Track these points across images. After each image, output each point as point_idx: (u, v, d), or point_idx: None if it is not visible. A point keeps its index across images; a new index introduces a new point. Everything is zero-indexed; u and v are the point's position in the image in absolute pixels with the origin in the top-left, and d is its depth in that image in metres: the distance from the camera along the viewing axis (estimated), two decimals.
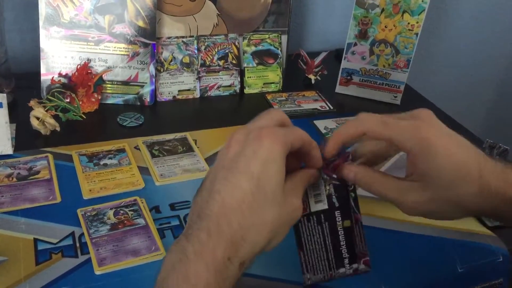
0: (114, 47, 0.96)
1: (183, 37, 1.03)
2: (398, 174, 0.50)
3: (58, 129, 0.87)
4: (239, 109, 1.06)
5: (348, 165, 0.49)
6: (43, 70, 0.95)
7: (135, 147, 0.84)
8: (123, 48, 0.96)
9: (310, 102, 1.05)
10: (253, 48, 1.07)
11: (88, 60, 0.95)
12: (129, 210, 0.70)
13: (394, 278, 0.64)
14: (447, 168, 0.45)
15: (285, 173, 0.42)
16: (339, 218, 0.49)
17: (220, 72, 1.05)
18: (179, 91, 1.02)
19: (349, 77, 1.08)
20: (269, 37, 1.09)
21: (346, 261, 0.50)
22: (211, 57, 1.04)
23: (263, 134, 0.41)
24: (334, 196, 0.49)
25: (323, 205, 0.49)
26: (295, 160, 0.46)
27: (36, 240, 0.64)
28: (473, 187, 0.45)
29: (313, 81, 1.11)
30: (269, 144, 0.40)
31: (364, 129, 0.47)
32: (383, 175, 0.49)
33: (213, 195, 0.41)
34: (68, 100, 0.90)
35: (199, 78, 1.03)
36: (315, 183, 0.49)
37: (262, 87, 1.08)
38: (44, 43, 0.94)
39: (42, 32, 0.93)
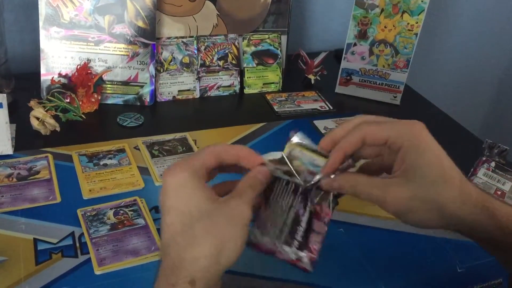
0: (114, 48, 0.96)
1: (183, 37, 1.03)
2: None
3: (58, 129, 0.87)
4: (239, 109, 1.06)
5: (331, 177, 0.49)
6: (43, 71, 0.95)
7: (135, 147, 0.84)
8: (123, 48, 0.96)
9: (310, 102, 1.05)
10: (253, 48, 1.07)
11: (88, 60, 0.95)
12: (129, 210, 0.70)
13: (394, 278, 0.65)
14: (433, 165, 0.46)
15: (203, 189, 0.45)
16: (312, 201, 0.49)
17: (220, 72, 1.05)
18: (179, 91, 1.03)
19: (348, 77, 1.08)
20: (268, 37, 1.09)
21: (296, 243, 0.48)
22: (211, 57, 1.04)
23: (164, 174, 0.46)
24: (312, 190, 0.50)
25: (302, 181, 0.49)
26: None
27: (36, 240, 0.65)
28: (454, 190, 0.46)
29: (312, 81, 1.11)
30: (170, 177, 0.45)
31: (363, 134, 0.48)
32: (367, 176, 0.50)
33: (160, 243, 0.47)
34: (68, 101, 0.90)
35: (199, 78, 1.04)
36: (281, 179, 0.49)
37: (262, 87, 1.08)
38: (44, 43, 0.94)
39: (42, 33, 0.93)
